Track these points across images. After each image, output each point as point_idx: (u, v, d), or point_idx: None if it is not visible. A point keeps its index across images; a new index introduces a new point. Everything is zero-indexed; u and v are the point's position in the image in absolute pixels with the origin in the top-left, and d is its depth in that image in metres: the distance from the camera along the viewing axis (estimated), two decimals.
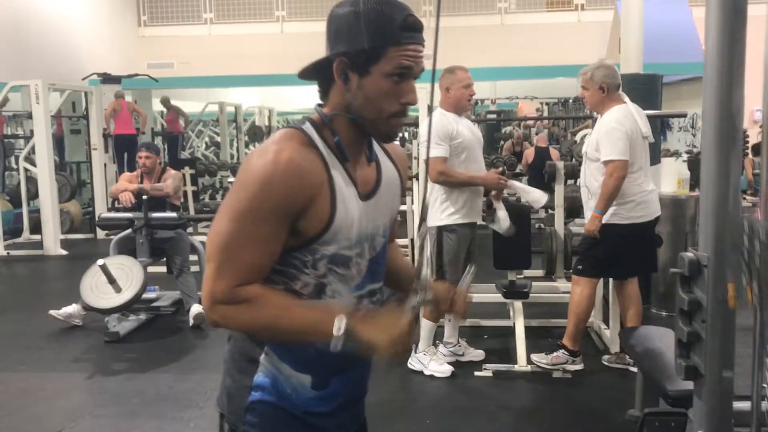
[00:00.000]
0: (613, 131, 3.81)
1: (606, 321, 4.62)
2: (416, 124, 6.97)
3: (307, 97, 17.02)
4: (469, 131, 4.05)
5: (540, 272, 5.81)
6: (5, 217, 8.85)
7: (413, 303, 1.40)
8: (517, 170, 10.48)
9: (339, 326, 1.30)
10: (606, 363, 4.20)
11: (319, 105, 1.43)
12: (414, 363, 4.16)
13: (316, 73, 1.39)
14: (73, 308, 5.19)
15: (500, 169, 4.18)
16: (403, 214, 6.52)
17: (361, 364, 1.53)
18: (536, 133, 12.58)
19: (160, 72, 11.44)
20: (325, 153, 1.36)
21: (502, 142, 13.41)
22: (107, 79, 10.13)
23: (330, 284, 1.40)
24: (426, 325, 4.12)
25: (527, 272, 6.18)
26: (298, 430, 1.46)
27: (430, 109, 2.09)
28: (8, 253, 8.34)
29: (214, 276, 1.31)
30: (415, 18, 1.34)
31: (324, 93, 1.42)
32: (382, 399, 3.78)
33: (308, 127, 1.39)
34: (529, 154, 9.93)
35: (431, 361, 4.10)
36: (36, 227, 8.77)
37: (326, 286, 1.39)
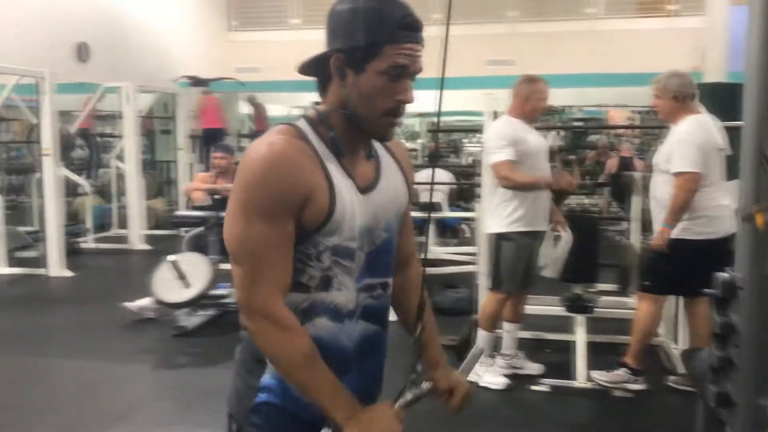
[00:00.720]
0: (685, 142, 3.63)
1: (677, 340, 4.42)
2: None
3: None
4: (535, 140, 3.97)
5: (613, 287, 5.64)
6: (96, 212, 9.31)
7: (406, 399, 1.43)
8: (600, 180, 10.21)
9: None
10: (672, 384, 4.01)
11: (316, 103, 1.44)
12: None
13: (314, 69, 1.40)
14: (146, 301, 5.39)
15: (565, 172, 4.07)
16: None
17: (370, 364, 1.52)
18: (626, 143, 12.15)
19: (247, 76, 11.75)
20: (318, 147, 1.37)
21: (586, 151, 13.09)
22: (195, 81, 10.50)
23: (336, 276, 1.40)
24: (483, 336, 4.05)
25: (601, 286, 6.01)
26: None
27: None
28: (97, 246, 8.77)
29: (251, 282, 1.33)
30: (414, 17, 1.33)
31: (322, 89, 1.42)
32: (433, 407, 3.73)
33: (302, 123, 1.41)
34: (612, 164, 9.62)
35: (486, 372, 4.02)
36: (124, 222, 9.18)
37: (332, 278, 1.40)
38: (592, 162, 11.27)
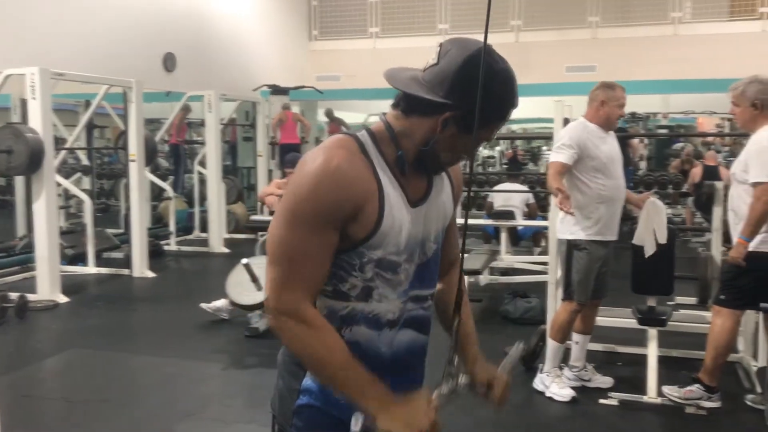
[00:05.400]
0: (764, 151, 3.49)
1: (757, 357, 4.22)
2: None
3: None
4: (609, 147, 3.88)
5: (693, 300, 5.46)
6: (180, 216, 9.65)
7: (443, 391, 1.41)
8: (683, 189, 9.87)
9: (356, 422, 1.36)
10: (749, 403, 3.84)
11: (384, 114, 1.45)
12: (538, 383, 4.05)
13: (413, 98, 1.37)
14: (221, 303, 5.57)
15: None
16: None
17: (412, 370, 1.53)
18: (716, 151, 11.70)
19: (327, 84, 11.95)
20: (375, 161, 1.39)
21: (671, 159, 12.66)
22: (276, 90, 10.78)
23: (377, 288, 1.42)
24: (552, 346, 3.99)
25: (679, 299, 5.81)
26: None
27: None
28: (179, 248, 9.10)
29: (282, 285, 1.37)
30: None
31: (407, 112, 1.40)
32: (498, 415, 3.72)
33: (363, 135, 1.41)
34: (696, 173, 9.26)
35: (553, 383, 3.96)
36: (206, 226, 9.49)
37: (373, 289, 1.42)
38: (676, 171, 10.90)
